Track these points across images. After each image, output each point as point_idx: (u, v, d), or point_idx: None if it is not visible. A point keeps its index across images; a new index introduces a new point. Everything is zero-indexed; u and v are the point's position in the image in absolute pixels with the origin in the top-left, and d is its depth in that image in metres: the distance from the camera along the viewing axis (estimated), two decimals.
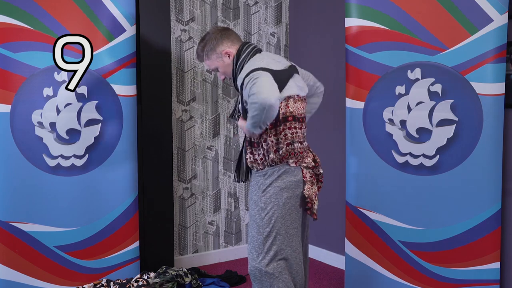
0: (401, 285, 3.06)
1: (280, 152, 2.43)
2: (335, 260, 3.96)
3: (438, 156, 2.88)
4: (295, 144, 2.46)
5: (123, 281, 3.09)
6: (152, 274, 3.21)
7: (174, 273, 3.20)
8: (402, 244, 3.03)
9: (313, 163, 2.53)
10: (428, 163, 2.91)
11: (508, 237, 2.94)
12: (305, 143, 2.54)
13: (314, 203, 2.49)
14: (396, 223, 3.04)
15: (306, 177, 2.48)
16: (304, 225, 2.63)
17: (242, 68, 2.48)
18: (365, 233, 3.14)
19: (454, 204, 2.86)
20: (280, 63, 2.47)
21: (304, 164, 2.49)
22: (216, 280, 3.47)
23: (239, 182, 2.65)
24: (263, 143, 2.46)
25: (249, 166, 2.53)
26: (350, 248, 3.21)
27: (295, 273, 2.51)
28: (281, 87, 2.38)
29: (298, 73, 2.56)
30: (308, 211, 2.52)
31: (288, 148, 2.44)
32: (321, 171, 2.58)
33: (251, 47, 2.53)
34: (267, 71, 2.33)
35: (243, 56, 2.50)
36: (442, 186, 2.88)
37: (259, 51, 2.54)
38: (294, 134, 2.45)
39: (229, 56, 2.54)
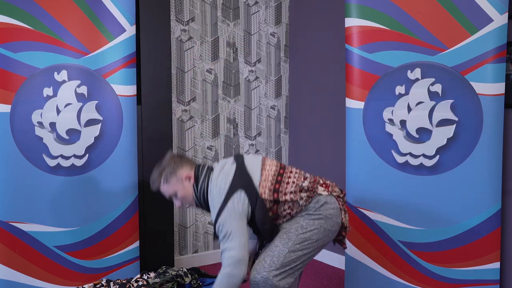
0: (401, 285, 3.06)
1: (304, 187, 2.44)
2: (335, 260, 3.96)
3: (438, 156, 2.88)
4: (304, 184, 2.45)
5: (123, 281, 3.09)
6: (152, 274, 3.20)
7: (174, 273, 3.20)
8: (402, 244, 3.03)
9: (340, 192, 2.55)
10: (428, 163, 2.91)
11: (508, 237, 2.94)
12: (309, 175, 2.52)
13: (347, 233, 2.55)
14: (396, 223, 3.04)
15: (340, 204, 2.50)
16: None
17: (205, 194, 2.45)
18: (365, 233, 3.14)
19: (454, 204, 2.86)
20: (229, 167, 2.45)
21: (335, 194, 2.51)
22: None
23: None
24: (284, 210, 2.45)
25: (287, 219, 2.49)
26: (350, 248, 3.21)
27: None
28: (250, 180, 2.41)
29: (243, 157, 2.55)
30: (339, 241, 2.56)
31: (305, 182, 2.45)
32: (345, 199, 2.59)
33: (205, 169, 2.50)
34: (237, 193, 2.36)
35: (201, 181, 2.47)
36: (442, 186, 2.88)
37: (210, 169, 2.50)
38: (293, 183, 2.45)
39: (189, 180, 2.49)
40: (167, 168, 2.50)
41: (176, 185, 2.50)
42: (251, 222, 2.43)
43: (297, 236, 2.39)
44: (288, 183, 2.45)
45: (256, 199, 2.39)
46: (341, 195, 2.55)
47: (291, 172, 2.50)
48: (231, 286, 2.29)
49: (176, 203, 2.55)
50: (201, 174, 2.49)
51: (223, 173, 2.45)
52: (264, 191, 2.41)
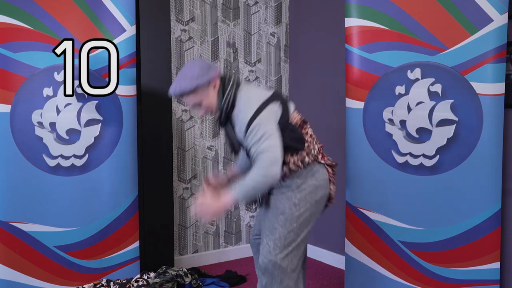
0: (401, 285, 3.06)
1: (313, 152, 2.47)
2: (335, 260, 3.96)
3: (438, 156, 2.88)
4: (317, 145, 2.51)
5: (123, 281, 3.09)
6: (152, 274, 3.21)
7: (174, 273, 3.20)
8: (402, 244, 3.03)
9: (331, 162, 2.57)
10: (428, 163, 2.91)
11: (508, 237, 2.94)
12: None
13: (333, 198, 2.58)
14: (396, 223, 3.04)
15: (329, 175, 2.53)
16: None
17: (233, 100, 2.38)
18: (365, 233, 3.14)
19: (454, 204, 2.86)
20: (262, 88, 2.52)
21: (329, 162, 2.54)
22: (216, 280, 3.47)
23: (260, 205, 2.61)
24: (292, 154, 2.45)
25: (281, 180, 2.47)
26: (350, 248, 3.21)
27: (301, 274, 2.54)
28: (287, 104, 2.45)
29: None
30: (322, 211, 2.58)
31: (316, 146, 2.50)
32: (336, 170, 2.61)
33: (232, 79, 2.44)
34: (275, 103, 2.36)
35: (228, 89, 2.39)
36: (442, 186, 2.88)
37: (238, 81, 2.46)
38: (313, 135, 2.52)
39: (214, 87, 2.40)
40: (196, 75, 2.35)
41: (201, 94, 2.38)
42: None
43: (292, 215, 2.44)
44: (310, 129, 2.50)
45: (286, 120, 2.39)
46: (333, 164, 2.56)
47: (310, 128, 2.52)
48: (263, 186, 2.28)
49: (200, 112, 2.46)
50: (228, 82, 2.41)
51: (260, 88, 2.50)
52: (293, 119, 2.44)
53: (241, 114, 2.33)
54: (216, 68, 2.42)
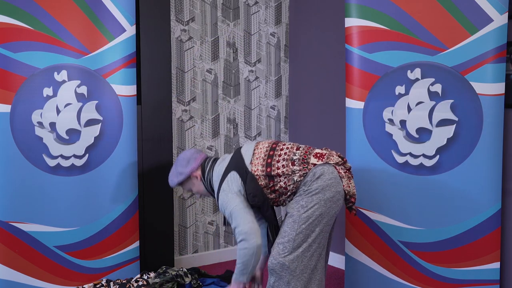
0: (401, 285, 3.06)
1: (296, 162, 2.50)
2: (335, 260, 3.96)
3: (438, 156, 2.88)
4: (295, 157, 2.52)
5: (123, 281, 3.09)
6: (152, 274, 3.21)
7: (174, 273, 3.20)
8: (402, 244, 3.03)
9: (340, 159, 2.57)
10: (428, 163, 2.91)
11: (508, 237, 2.94)
12: (303, 146, 2.60)
13: (355, 199, 2.60)
14: (396, 223, 3.04)
15: (341, 172, 2.53)
16: (332, 228, 2.68)
17: (211, 181, 2.68)
18: (365, 233, 3.14)
19: (454, 204, 2.86)
20: (225, 159, 2.67)
21: (332, 162, 2.54)
22: (216, 280, 3.47)
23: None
24: (280, 186, 2.55)
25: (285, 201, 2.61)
26: (350, 248, 3.21)
27: (317, 275, 2.54)
28: (241, 158, 2.58)
29: (243, 145, 2.72)
30: (349, 208, 2.61)
31: (298, 152, 2.53)
32: (349, 165, 2.63)
33: (210, 162, 2.72)
34: (225, 175, 2.57)
35: (206, 174, 2.70)
36: (442, 186, 2.88)
37: (215, 160, 2.72)
38: (285, 154, 2.54)
39: (197, 178, 2.73)
40: (177, 172, 2.75)
41: (188, 184, 2.77)
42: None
43: (299, 217, 2.45)
44: (280, 155, 2.54)
45: (246, 175, 2.53)
46: (341, 162, 2.56)
47: (284, 145, 2.59)
48: (248, 257, 2.44)
49: (197, 196, 2.86)
50: (207, 167, 2.71)
51: (223, 162, 2.67)
52: (257, 168, 2.53)
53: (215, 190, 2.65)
54: (196, 158, 2.73)
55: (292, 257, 2.44)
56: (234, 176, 2.54)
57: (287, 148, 2.57)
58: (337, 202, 2.51)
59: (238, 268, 2.49)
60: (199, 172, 2.72)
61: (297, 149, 2.56)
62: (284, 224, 2.50)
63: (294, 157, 2.52)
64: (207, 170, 2.70)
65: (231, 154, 2.67)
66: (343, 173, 2.53)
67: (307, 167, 2.50)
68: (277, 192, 2.55)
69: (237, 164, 2.57)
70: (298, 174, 2.49)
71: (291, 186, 2.51)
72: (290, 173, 2.49)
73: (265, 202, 2.55)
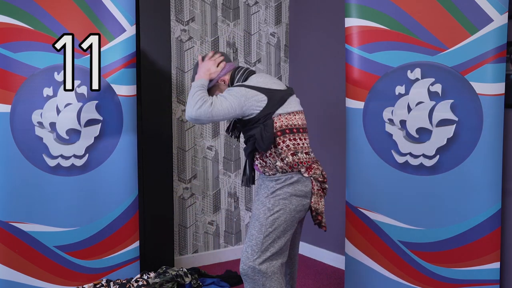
0: (401, 285, 3.06)
1: (285, 161, 2.48)
2: (335, 260, 3.96)
3: (438, 156, 2.88)
4: (299, 154, 2.50)
5: (123, 281, 3.09)
6: (152, 274, 3.21)
7: (174, 273, 3.20)
8: (402, 244, 3.03)
9: (322, 177, 2.57)
10: (428, 163, 2.91)
11: (508, 237, 2.94)
12: (312, 154, 2.59)
13: (323, 217, 2.57)
14: (396, 223, 3.04)
15: (314, 189, 2.53)
16: (298, 234, 2.73)
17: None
18: (365, 233, 3.14)
19: (454, 204, 2.86)
20: (277, 83, 2.56)
21: (315, 175, 2.53)
22: (216, 280, 3.47)
23: (247, 186, 2.72)
24: (268, 152, 2.52)
25: (261, 170, 2.58)
26: (350, 248, 3.21)
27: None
28: (281, 103, 2.48)
29: (292, 90, 2.65)
30: (317, 224, 2.59)
31: (294, 158, 2.49)
32: (326, 186, 2.62)
33: (242, 70, 2.62)
34: (258, 90, 2.45)
35: (236, 79, 2.60)
36: (442, 186, 2.88)
37: (252, 72, 2.62)
38: (297, 145, 2.50)
39: (224, 82, 2.62)
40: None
41: (214, 90, 2.64)
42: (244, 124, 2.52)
43: (266, 219, 2.47)
44: (295, 139, 2.51)
45: (266, 118, 2.45)
46: (320, 179, 2.56)
47: (305, 139, 2.55)
48: (190, 106, 2.40)
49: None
50: (237, 75, 2.61)
51: (264, 79, 2.54)
52: (276, 122, 2.47)
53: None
54: (228, 65, 2.62)
55: (261, 260, 2.44)
56: (261, 100, 2.43)
57: (303, 143, 2.54)
58: (299, 213, 2.53)
59: (191, 93, 2.45)
60: (227, 77, 2.62)
61: (306, 153, 2.54)
62: (251, 227, 2.50)
63: (297, 153, 2.50)
64: (238, 76, 2.59)
65: (280, 85, 2.55)
66: (315, 189, 2.54)
67: (292, 169, 2.50)
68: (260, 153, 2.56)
69: (274, 98, 2.46)
70: (281, 164, 2.48)
71: (270, 160, 2.51)
72: (282, 157, 2.48)
73: (256, 144, 2.50)
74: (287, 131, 2.49)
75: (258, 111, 2.44)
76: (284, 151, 2.48)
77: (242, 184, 2.76)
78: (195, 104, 2.37)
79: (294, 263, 2.78)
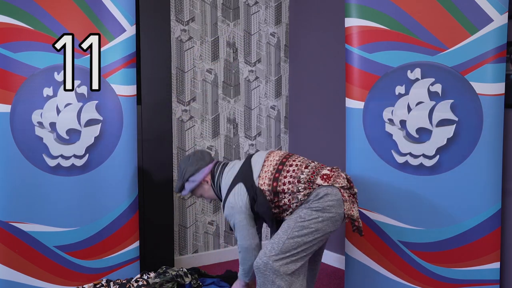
0: (401, 285, 3.06)
1: (302, 187, 2.53)
2: (335, 260, 3.96)
3: (438, 156, 2.88)
4: (302, 176, 2.54)
5: (123, 281, 3.09)
6: (152, 274, 3.21)
7: (174, 273, 3.20)
8: (402, 244, 3.03)
9: (347, 183, 2.57)
10: (428, 163, 2.91)
11: (508, 237, 2.94)
12: (313, 164, 2.62)
13: (359, 222, 2.58)
14: (396, 223, 3.04)
15: (344, 196, 2.52)
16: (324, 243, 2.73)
17: (220, 187, 2.75)
18: (365, 233, 3.14)
19: (454, 204, 2.86)
20: (234, 166, 2.71)
21: (338, 185, 2.53)
22: (216, 280, 3.46)
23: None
24: (284, 203, 2.60)
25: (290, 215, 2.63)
26: (350, 248, 3.21)
27: (300, 279, 2.55)
28: (250, 173, 2.63)
29: (254, 153, 2.79)
30: (357, 230, 2.61)
31: (301, 182, 2.53)
32: (355, 190, 2.63)
33: (219, 168, 2.78)
34: (233, 185, 2.62)
35: (216, 178, 2.76)
36: (442, 186, 2.88)
37: (224, 166, 2.77)
38: (293, 171, 2.57)
39: (207, 182, 2.80)
40: (186, 178, 2.81)
41: (199, 190, 2.84)
42: (253, 209, 2.63)
43: (295, 224, 2.47)
44: (288, 171, 2.58)
45: (254, 190, 2.59)
46: (347, 187, 2.56)
47: (294, 161, 2.62)
48: (247, 262, 2.63)
49: (206, 200, 2.98)
50: (216, 172, 2.77)
51: (232, 169, 2.71)
52: (264, 182, 2.59)
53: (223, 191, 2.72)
54: (207, 168, 2.79)
55: (277, 258, 2.44)
56: (241, 190, 2.60)
57: (296, 165, 2.59)
58: (335, 223, 2.51)
59: (241, 270, 2.69)
60: (209, 177, 2.79)
61: (306, 167, 2.57)
62: (279, 229, 2.53)
63: (302, 176, 2.53)
64: (216, 175, 2.76)
65: (242, 162, 2.72)
66: (346, 196, 2.52)
67: (312, 187, 2.51)
68: (280, 208, 2.60)
69: (245, 176, 2.62)
70: (302, 193, 2.51)
71: (294, 204, 2.55)
72: (295, 191, 2.52)
73: (270, 216, 2.62)
74: (280, 167, 2.60)
75: (247, 197, 2.60)
76: (295, 175, 2.56)
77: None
78: (247, 258, 2.62)
79: (314, 269, 2.81)
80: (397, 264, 3.06)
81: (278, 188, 2.55)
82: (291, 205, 2.56)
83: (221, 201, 2.73)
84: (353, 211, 2.52)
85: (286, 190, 2.54)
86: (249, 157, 2.72)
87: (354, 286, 3.22)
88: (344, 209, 2.51)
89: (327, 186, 2.50)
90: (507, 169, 2.91)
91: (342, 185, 2.53)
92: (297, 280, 2.50)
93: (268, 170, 2.60)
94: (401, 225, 3.02)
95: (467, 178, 2.82)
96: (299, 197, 2.51)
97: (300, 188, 2.52)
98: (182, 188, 2.84)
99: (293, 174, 2.56)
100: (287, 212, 2.60)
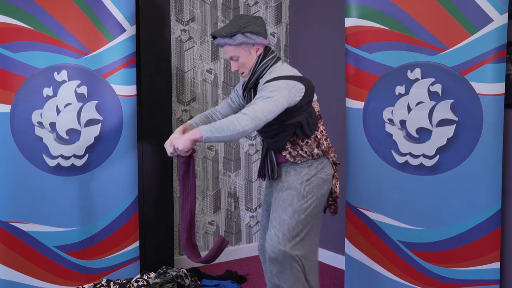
0: (401, 285, 3.06)
1: (322, 147, 2.57)
2: (335, 260, 3.96)
3: (438, 156, 2.88)
4: (328, 140, 2.63)
5: (123, 281, 3.09)
6: (152, 274, 3.21)
7: (174, 273, 3.20)
8: (402, 244, 3.03)
9: (335, 158, 2.69)
10: (428, 163, 2.91)
11: (508, 237, 2.94)
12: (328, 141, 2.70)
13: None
14: (396, 223, 3.04)
15: (335, 172, 2.66)
16: None
17: (263, 70, 2.49)
18: (365, 233, 3.14)
19: (454, 204, 2.86)
20: (296, 72, 2.55)
21: (335, 159, 2.66)
22: (216, 283, 3.47)
23: (271, 179, 2.63)
24: (305, 141, 2.56)
25: (290, 160, 2.56)
26: (350, 248, 3.21)
27: (312, 269, 2.59)
28: (314, 91, 2.54)
29: None
30: (334, 210, 2.70)
31: (326, 143, 2.60)
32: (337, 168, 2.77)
33: (274, 52, 2.56)
34: (294, 79, 2.44)
35: (268, 58, 2.50)
36: (442, 186, 2.88)
37: (279, 59, 2.57)
38: (325, 131, 2.63)
39: (256, 51, 2.50)
40: (247, 27, 2.43)
41: (244, 49, 2.47)
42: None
43: (300, 207, 2.51)
44: (323, 125, 2.63)
45: (309, 103, 2.50)
46: (337, 162, 2.68)
47: (322, 125, 2.63)
48: (231, 132, 2.26)
49: (232, 67, 2.53)
50: (270, 54, 2.51)
51: (293, 69, 2.53)
52: (315, 107, 2.56)
53: (267, 77, 2.45)
54: (266, 39, 2.50)
55: (291, 244, 2.48)
56: (302, 90, 2.43)
57: (324, 129, 2.66)
58: (326, 198, 2.63)
59: (215, 126, 2.27)
60: (262, 49, 2.50)
61: (326, 138, 2.64)
62: (282, 212, 2.51)
63: (327, 139, 2.63)
64: (270, 56, 2.50)
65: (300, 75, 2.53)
66: (335, 172, 2.66)
67: (324, 154, 2.60)
68: (295, 142, 2.55)
69: (310, 90, 2.48)
70: (317, 151, 2.56)
71: (306, 148, 2.54)
72: (321, 142, 2.57)
73: (286, 139, 2.52)
74: (320, 116, 2.59)
75: (299, 100, 2.44)
76: (321, 136, 2.58)
77: (260, 177, 2.70)
78: (232, 127, 2.26)
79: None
80: (397, 264, 3.06)
81: (319, 124, 2.58)
82: (303, 148, 2.54)
83: (248, 80, 2.51)
84: (337, 187, 2.67)
85: (319, 133, 2.58)
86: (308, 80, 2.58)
87: (354, 286, 3.22)
88: (332, 185, 2.65)
89: (328, 159, 2.63)
90: (507, 169, 2.91)
91: (335, 161, 2.66)
92: (312, 262, 2.58)
93: (318, 109, 2.61)
94: (401, 225, 3.02)
95: (467, 178, 2.82)
96: (315, 151, 2.55)
97: (323, 146, 2.58)
98: (231, 35, 2.42)
99: (324, 130, 2.63)
100: (288, 151, 2.54)
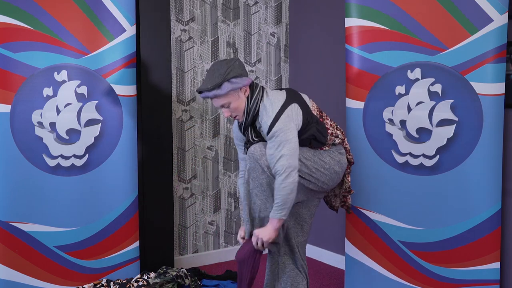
0: (401, 285, 3.06)
1: (339, 137, 2.65)
2: (335, 260, 3.96)
3: (438, 156, 2.88)
4: (339, 128, 2.68)
5: (123, 281, 3.09)
6: (152, 274, 3.21)
7: (174, 274, 3.20)
8: (402, 244, 3.03)
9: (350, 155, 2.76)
10: (428, 163, 2.91)
11: (508, 237, 2.94)
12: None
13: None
14: (396, 223, 3.04)
15: (348, 167, 2.74)
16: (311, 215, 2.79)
17: (256, 107, 2.51)
18: (365, 233, 3.14)
19: (454, 204, 2.86)
20: (280, 93, 2.56)
21: (350, 157, 2.73)
22: (216, 282, 3.47)
23: None
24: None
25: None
26: (350, 248, 3.21)
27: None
28: (305, 102, 2.57)
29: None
30: (347, 203, 2.79)
31: (340, 131, 2.65)
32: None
33: (258, 85, 2.58)
34: (293, 105, 2.49)
35: (255, 94, 2.52)
36: (442, 186, 2.88)
37: (263, 88, 2.57)
38: (332, 122, 2.67)
39: (245, 92, 2.52)
40: (229, 77, 2.46)
41: (233, 95, 2.49)
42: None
43: (315, 209, 2.69)
44: (327, 118, 2.66)
45: (310, 115, 2.54)
46: (352, 161, 2.75)
47: (326, 118, 2.66)
48: (289, 192, 2.40)
49: (225, 113, 2.55)
50: (256, 88, 2.54)
51: (277, 93, 2.56)
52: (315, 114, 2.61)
53: (265, 117, 2.47)
54: (248, 77, 2.53)
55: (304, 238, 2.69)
56: (298, 110, 2.49)
57: (331, 120, 2.69)
58: (337, 180, 2.64)
59: (277, 204, 2.42)
60: (249, 90, 2.53)
61: (337, 129, 2.67)
62: (304, 209, 2.66)
63: (339, 133, 2.66)
64: (256, 91, 2.52)
65: (284, 90, 2.57)
66: (349, 162, 2.73)
67: (343, 139, 2.68)
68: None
69: (299, 100, 2.54)
70: (339, 138, 2.64)
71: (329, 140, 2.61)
72: (332, 141, 2.62)
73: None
74: (321, 112, 2.65)
75: (302, 117, 2.50)
76: (333, 128, 2.63)
77: None
78: (286, 191, 2.42)
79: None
80: (397, 264, 3.06)
81: (324, 120, 2.63)
82: (333, 131, 2.63)
83: (245, 121, 2.54)
84: (349, 179, 2.74)
85: (329, 127, 2.62)
86: (294, 90, 2.61)
87: (354, 286, 3.22)
88: (345, 177, 2.73)
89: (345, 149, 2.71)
90: (507, 169, 2.91)
91: (348, 148, 2.75)
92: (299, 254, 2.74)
93: (314, 108, 2.61)
94: (401, 225, 3.02)
95: (467, 178, 2.82)
96: (336, 141, 2.62)
97: (338, 133, 2.63)
98: (217, 86, 2.44)
99: (331, 123, 2.64)
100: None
